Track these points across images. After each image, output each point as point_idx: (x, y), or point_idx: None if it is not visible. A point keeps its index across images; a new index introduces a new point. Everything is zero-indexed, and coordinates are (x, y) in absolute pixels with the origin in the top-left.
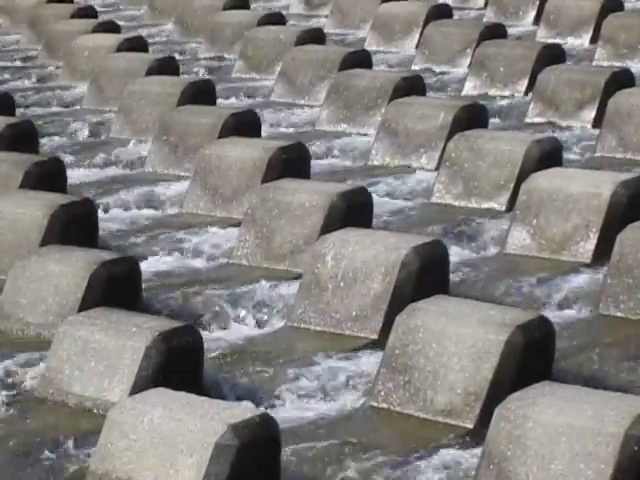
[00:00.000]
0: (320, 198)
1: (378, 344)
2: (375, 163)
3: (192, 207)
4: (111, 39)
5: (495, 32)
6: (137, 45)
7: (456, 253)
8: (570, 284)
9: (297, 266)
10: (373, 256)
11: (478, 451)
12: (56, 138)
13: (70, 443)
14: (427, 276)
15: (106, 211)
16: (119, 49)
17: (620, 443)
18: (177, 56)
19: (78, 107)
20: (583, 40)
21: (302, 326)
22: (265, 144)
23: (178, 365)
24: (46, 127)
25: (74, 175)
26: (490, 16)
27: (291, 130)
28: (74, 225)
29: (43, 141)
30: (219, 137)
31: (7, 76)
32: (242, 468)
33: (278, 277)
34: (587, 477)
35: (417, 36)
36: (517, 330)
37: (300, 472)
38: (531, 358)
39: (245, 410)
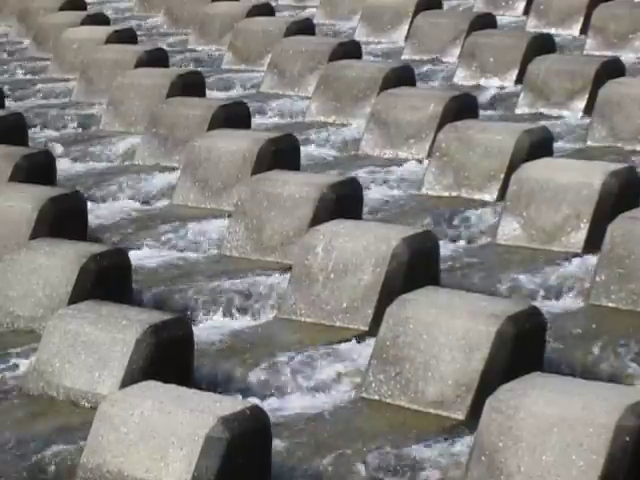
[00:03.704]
0: (310, 189)
1: (369, 335)
2: (365, 154)
3: (182, 199)
4: (100, 31)
5: (485, 22)
6: (126, 37)
7: (446, 244)
8: (561, 274)
9: (287, 258)
10: (363, 247)
11: (469, 442)
12: (46, 131)
13: (60, 436)
14: (417, 267)
15: (96, 204)
16: (108, 41)
17: (612, 434)
18: (166, 48)
19: (67, 99)
20: (573, 30)
21: (293, 318)
22: (255, 135)
23: (168, 358)
24: (35, 120)
25: (64, 168)
26: (480, 6)
27: (281, 121)
28: (64, 218)
29: (32, 134)
30: (209, 129)
31: None
32: (233, 460)
33: (268, 269)
34: (579, 468)
35: (407, 27)
36: (508, 321)
37: (291, 464)
38: (522, 349)
39: (235, 402)
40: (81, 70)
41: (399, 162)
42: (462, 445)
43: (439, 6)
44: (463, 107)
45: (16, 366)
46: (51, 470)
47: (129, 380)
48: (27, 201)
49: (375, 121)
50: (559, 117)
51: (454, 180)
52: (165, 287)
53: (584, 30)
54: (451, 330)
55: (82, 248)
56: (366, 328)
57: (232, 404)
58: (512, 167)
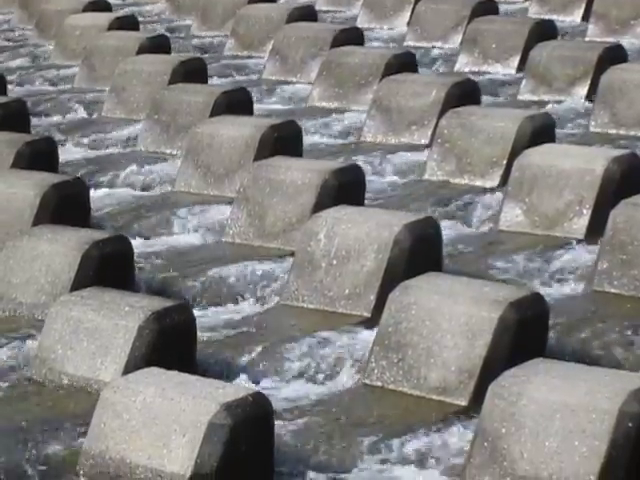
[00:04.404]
0: (312, 176)
1: (371, 322)
2: (367, 140)
3: (184, 186)
4: (102, 18)
5: (487, 8)
6: (128, 23)
7: (449, 230)
8: (563, 260)
9: (290, 244)
10: (366, 234)
11: (472, 429)
12: (48, 117)
13: (63, 423)
14: (420, 253)
15: (98, 190)
16: (110, 28)
17: (614, 420)
18: (168, 34)
19: (70, 86)
20: (575, 16)
21: (295, 304)
22: (257, 122)
23: (171, 344)
24: (38, 106)
25: (66, 154)
26: None
27: (283, 108)
28: (66, 204)
29: (35, 120)
30: (211, 115)
31: None
32: (235, 447)
33: (271, 255)
34: (581, 454)
35: (409, 13)
36: (510, 307)
37: (293, 450)
38: (524, 335)
39: (238, 389)
40: (83, 57)
41: (401, 148)
42: (465, 431)
43: None
44: (465, 93)
45: (19, 353)
46: (53, 457)
47: (131, 367)
48: (29, 188)
49: (377, 107)
50: (561, 103)
51: (456, 166)
52: (167, 274)
53: (586, 16)
54: (453, 316)
55: (84, 235)
56: (368, 314)
57: (235, 391)
58: (514, 153)
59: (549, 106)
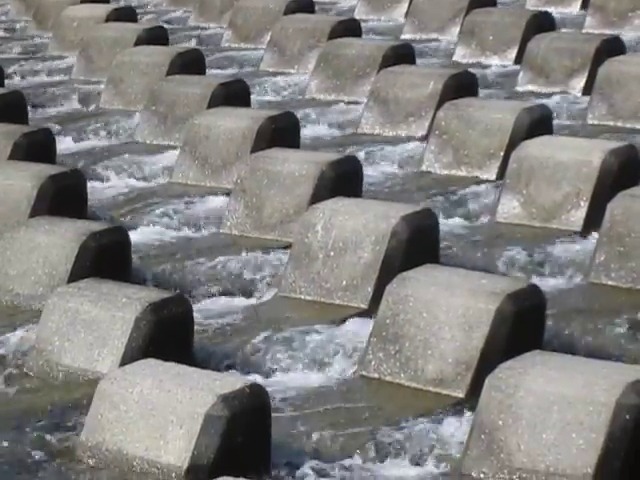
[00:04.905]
0: (310, 167)
1: (368, 314)
2: (365, 132)
3: (181, 177)
4: (100, 9)
5: (484, 0)
6: (126, 15)
7: (446, 222)
8: (561, 252)
9: (287, 236)
10: (363, 225)
11: (469, 420)
12: (45, 109)
13: (60, 414)
14: (417, 245)
15: (95, 182)
16: (108, 19)
17: (611, 412)
18: (166, 26)
19: (67, 77)
20: (573, 8)
21: (292, 296)
22: (254, 114)
23: (168, 336)
24: (35, 98)
25: (63, 146)
26: None
27: (280, 99)
28: (63, 196)
29: (32, 112)
30: (208, 107)
31: None
32: (232, 438)
33: (268, 247)
34: (579, 446)
35: (406, 4)
36: (507, 299)
37: (290, 442)
38: (522, 327)
39: (235, 380)
40: (81, 48)
41: (399, 140)
42: (462, 423)
43: None
44: (463, 85)
45: (16, 344)
46: (50, 448)
47: (129, 358)
48: (27, 179)
49: (375, 99)
50: (559, 95)
51: (454, 158)
52: (165, 265)
53: (584, 8)
54: (451, 308)
55: (82, 226)
56: (366, 306)
57: (232, 382)
58: (512, 145)
59: (546, 98)
